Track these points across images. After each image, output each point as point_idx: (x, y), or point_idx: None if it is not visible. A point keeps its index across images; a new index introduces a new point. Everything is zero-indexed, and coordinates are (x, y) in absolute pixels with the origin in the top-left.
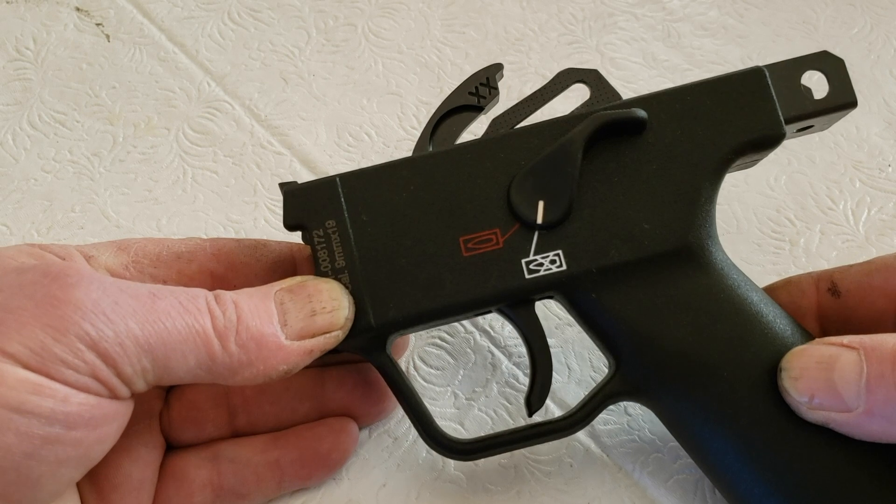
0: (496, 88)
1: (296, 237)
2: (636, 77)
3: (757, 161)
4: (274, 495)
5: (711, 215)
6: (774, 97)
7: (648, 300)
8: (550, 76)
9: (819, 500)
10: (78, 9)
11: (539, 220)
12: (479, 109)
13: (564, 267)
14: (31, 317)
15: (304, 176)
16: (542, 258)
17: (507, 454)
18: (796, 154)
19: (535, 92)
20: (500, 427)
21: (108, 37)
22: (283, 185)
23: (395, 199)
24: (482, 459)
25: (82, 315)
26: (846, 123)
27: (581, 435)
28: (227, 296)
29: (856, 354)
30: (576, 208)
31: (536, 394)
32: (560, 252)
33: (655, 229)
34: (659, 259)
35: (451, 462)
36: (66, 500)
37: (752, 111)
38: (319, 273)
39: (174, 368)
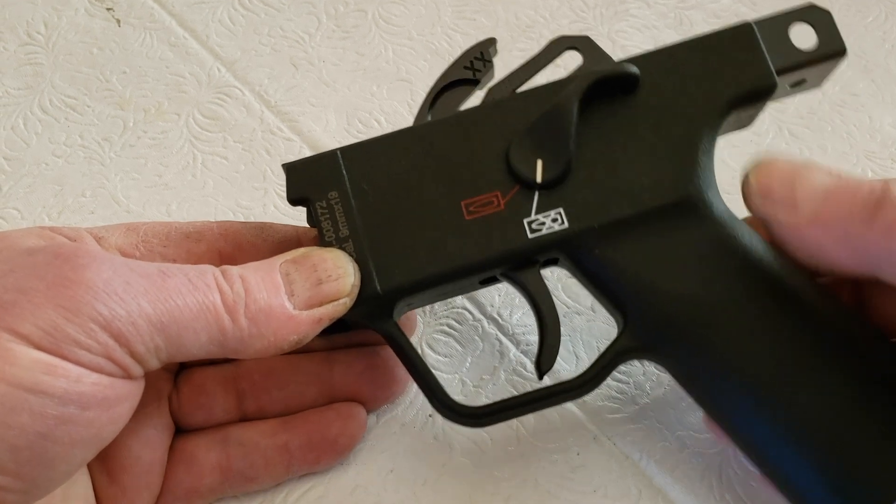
0: (490, 62)
1: (301, 220)
2: None
3: (753, 117)
4: (282, 479)
5: (710, 168)
6: (764, 49)
7: (652, 254)
8: (561, 63)
9: (835, 439)
10: None
11: (538, 178)
12: (475, 83)
13: (566, 225)
14: (44, 298)
15: None
16: (544, 217)
17: (515, 441)
18: (808, 144)
19: (528, 60)
20: None
21: (118, 22)
22: (285, 165)
23: (395, 168)
24: (490, 449)
25: (94, 295)
26: (859, 113)
27: (588, 423)
28: (234, 270)
29: (824, 171)
30: (574, 167)
31: (546, 356)
32: (561, 210)
33: (654, 183)
34: (660, 212)
35: (458, 449)
36: (77, 481)
37: (743, 64)
38: (324, 243)
39: (186, 345)
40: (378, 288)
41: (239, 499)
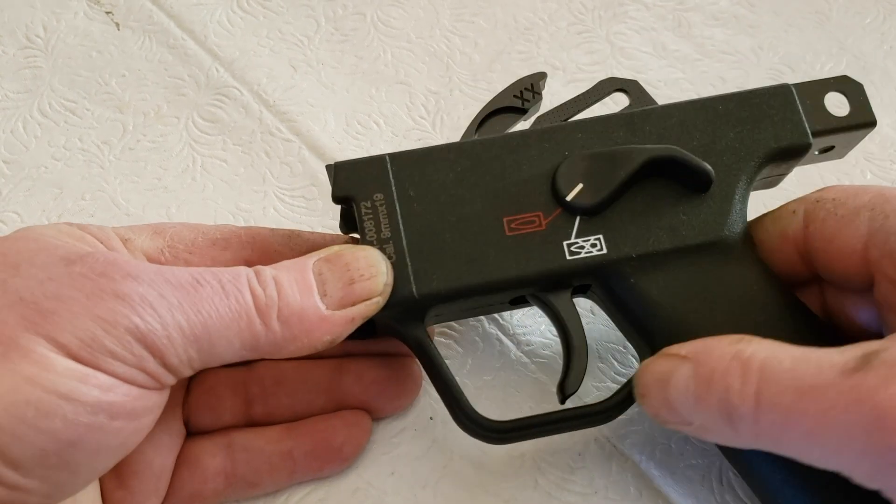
0: (539, 94)
1: (299, 225)
2: (646, 67)
3: (782, 176)
4: (285, 485)
5: (744, 214)
6: (801, 110)
7: (685, 288)
8: (560, 66)
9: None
10: None
11: (569, 197)
12: (522, 112)
13: (605, 251)
14: (82, 308)
15: (312, 163)
16: (584, 241)
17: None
18: None
19: (578, 96)
20: (511, 417)
21: (117, 25)
22: (329, 165)
23: (441, 179)
24: (490, 450)
25: (131, 308)
26: None
27: None
28: (267, 271)
29: (689, 368)
30: (616, 201)
31: (571, 380)
32: (601, 237)
33: (692, 221)
34: (696, 249)
35: (459, 451)
36: (86, 488)
37: (781, 121)
38: (365, 242)
39: (220, 353)
40: (415, 291)
41: (239, 500)
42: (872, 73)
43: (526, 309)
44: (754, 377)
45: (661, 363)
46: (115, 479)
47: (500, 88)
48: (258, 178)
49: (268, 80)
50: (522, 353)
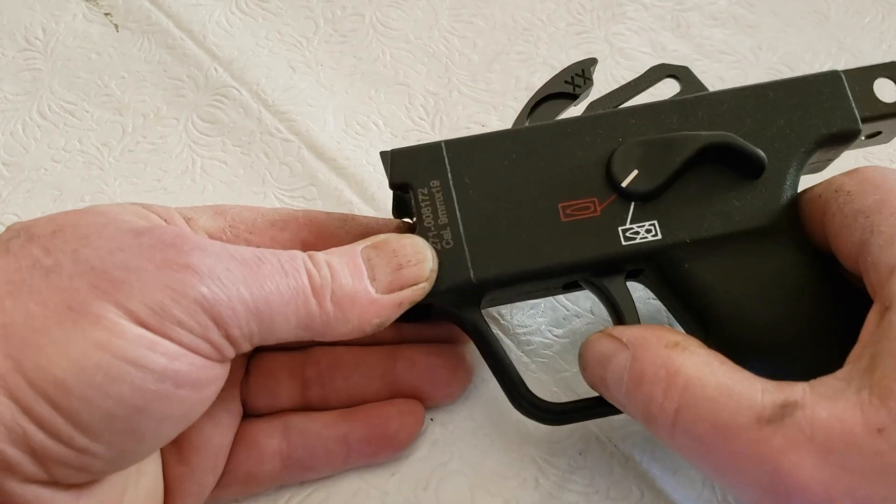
0: (591, 80)
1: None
2: (645, 67)
3: (829, 161)
4: (339, 470)
5: (794, 201)
6: (850, 97)
7: (738, 273)
8: (559, 66)
9: None
10: None
11: (624, 183)
12: (573, 97)
13: (660, 236)
14: (152, 278)
15: (312, 163)
16: (639, 227)
17: (516, 442)
18: None
19: (629, 82)
20: (512, 416)
21: (116, 26)
22: (384, 153)
23: (496, 166)
24: (491, 450)
25: (199, 279)
26: None
27: (590, 424)
28: (321, 256)
29: (626, 357)
30: (670, 187)
31: None
32: (655, 223)
33: (746, 206)
34: (748, 235)
35: (460, 451)
36: (148, 460)
37: (831, 108)
38: (423, 229)
39: (277, 329)
40: (472, 276)
41: (240, 501)
42: None
43: (526, 309)
44: (676, 395)
45: (604, 343)
46: (176, 453)
47: (499, 89)
48: (258, 179)
49: (266, 80)
50: (523, 352)
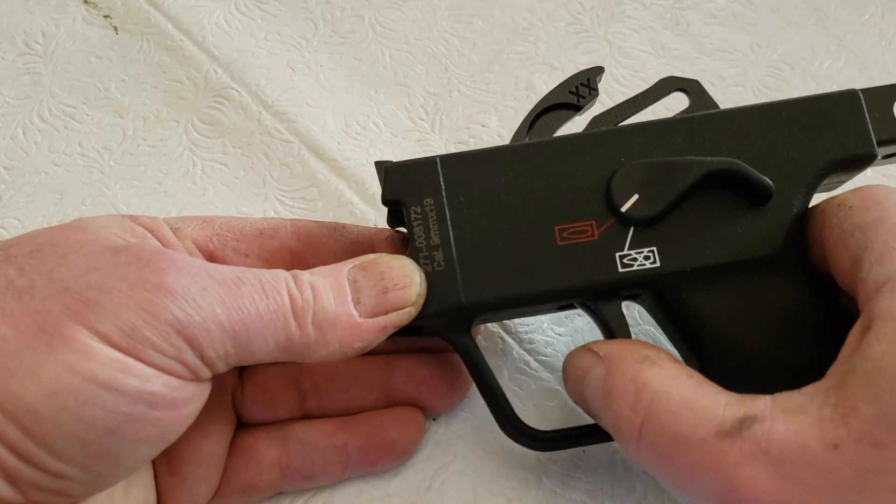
0: (596, 90)
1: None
2: (644, 66)
3: (842, 183)
4: (338, 479)
5: (802, 228)
6: (868, 118)
7: (737, 303)
8: (559, 66)
9: None
10: (86, 1)
11: (623, 208)
12: (576, 108)
13: (658, 264)
14: (125, 298)
15: (312, 164)
16: (637, 254)
17: None
18: None
19: (636, 95)
20: None
21: (115, 29)
22: (379, 163)
23: (493, 184)
24: (493, 449)
25: (173, 300)
26: None
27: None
28: (304, 276)
29: (602, 371)
30: (671, 213)
31: None
32: (654, 249)
33: (750, 235)
34: (750, 265)
35: (462, 451)
36: (139, 472)
37: (846, 130)
38: (414, 249)
39: (255, 351)
40: (463, 300)
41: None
42: (871, 70)
43: None
44: (643, 409)
45: (582, 358)
46: (166, 465)
47: (499, 89)
48: (258, 181)
49: (266, 81)
50: (525, 350)
